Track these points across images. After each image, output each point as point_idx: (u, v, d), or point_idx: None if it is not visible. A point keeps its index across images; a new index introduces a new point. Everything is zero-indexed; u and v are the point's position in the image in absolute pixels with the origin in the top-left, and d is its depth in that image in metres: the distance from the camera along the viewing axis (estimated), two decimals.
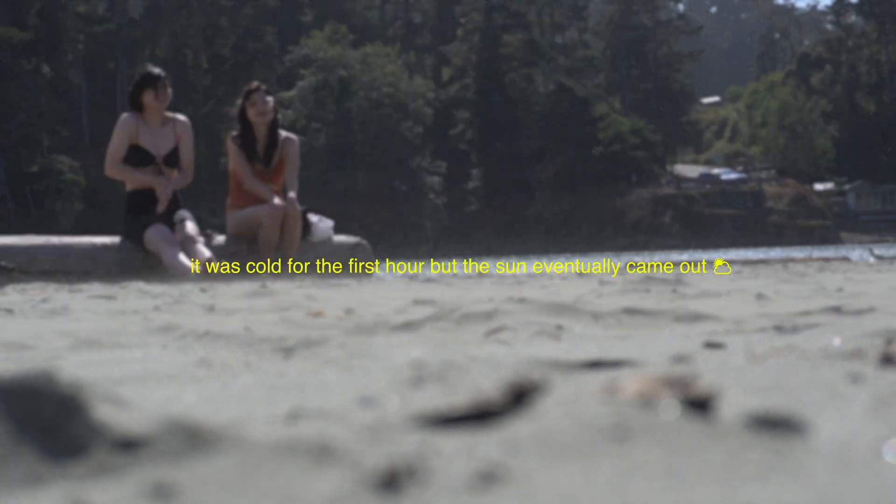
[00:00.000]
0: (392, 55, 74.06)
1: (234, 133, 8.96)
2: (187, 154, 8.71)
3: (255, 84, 8.97)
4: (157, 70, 8.61)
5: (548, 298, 3.87)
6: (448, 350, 1.57)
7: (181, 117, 8.71)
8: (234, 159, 8.85)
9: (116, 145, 8.44)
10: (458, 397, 0.80)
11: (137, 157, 8.43)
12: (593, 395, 0.75)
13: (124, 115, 8.60)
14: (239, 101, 8.97)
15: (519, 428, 0.70)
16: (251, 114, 8.81)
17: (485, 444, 0.67)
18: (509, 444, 0.67)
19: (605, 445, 0.66)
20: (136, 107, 8.51)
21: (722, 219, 74.33)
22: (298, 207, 8.76)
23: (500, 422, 0.73)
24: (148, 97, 8.44)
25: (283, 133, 8.99)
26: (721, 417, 0.78)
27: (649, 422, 0.69)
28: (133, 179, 8.45)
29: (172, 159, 8.53)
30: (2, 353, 2.17)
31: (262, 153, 8.86)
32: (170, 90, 8.59)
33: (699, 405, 0.75)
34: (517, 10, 79.83)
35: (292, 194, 8.77)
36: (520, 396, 0.78)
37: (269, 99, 8.87)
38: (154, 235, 8.23)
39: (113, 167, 8.50)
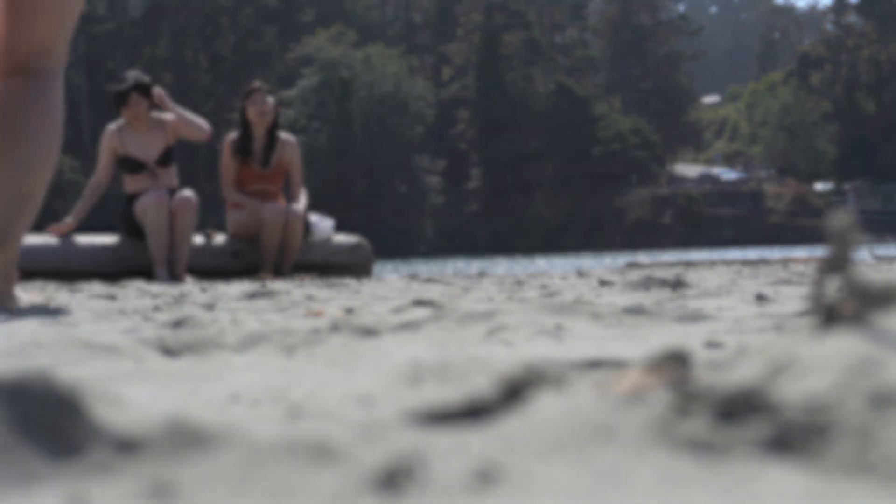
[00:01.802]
0: (395, 57, 74.03)
1: (230, 136, 8.97)
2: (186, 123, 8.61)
3: (256, 84, 8.97)
4: (123, 85, 8.45)
5: (548, 298, 3.88)
6: (448, 350, 1.58)
7: (168, 116, 8.54)
8: (223, 162, 8.86)
9: (101, 161, 8.51)
10: (452, 394, 0.80)
11: (130, 165, 8.46)
12: (588, 390, 0.75)
13: (107, 129, 8.53)
14: (240, 105, 8.99)
15: (514, 424, 0.71)
16: (250, 113, 8.82)
17: (480, 440, 0.68)
18: (505, 441, 0.67)
19: (600, 440, 0.66)
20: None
21: (722, 219, 74.32)
22: (303, 211, 8.76)
23: (494, 418, 0.73)
24: (123, 112, 8.46)
25: (283, 135, 8.99)
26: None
27: (644, 416, 0.69)
28: (84, 202, 8.48)
29: (165, 159, 8.52)
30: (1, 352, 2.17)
31: (260, 154, 8.86)
32: (145, 101, 8.42)
33: (692, 398, 0.75)
34: (517, 9, 79.86)
35: (301, 202, 8.78)
36: (514, 393, 0.78)
37: (270, 100, 8.87)
38: (145, 197, 8.25)
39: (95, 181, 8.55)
